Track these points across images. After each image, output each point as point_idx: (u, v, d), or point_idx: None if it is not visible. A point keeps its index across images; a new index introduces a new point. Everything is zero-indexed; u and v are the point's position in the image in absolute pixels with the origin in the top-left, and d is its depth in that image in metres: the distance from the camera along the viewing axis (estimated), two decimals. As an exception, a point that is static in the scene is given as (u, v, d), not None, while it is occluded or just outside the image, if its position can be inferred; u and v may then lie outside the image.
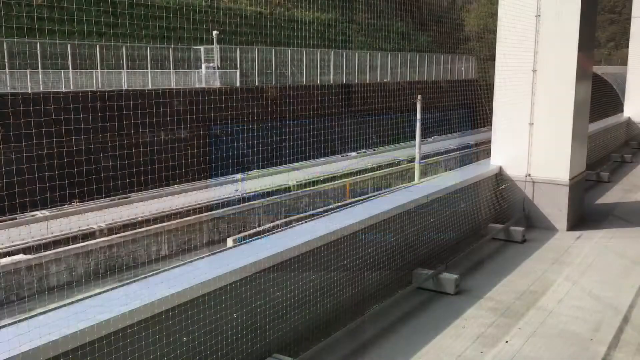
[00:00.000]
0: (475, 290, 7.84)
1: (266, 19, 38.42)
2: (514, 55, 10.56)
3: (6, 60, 24.38)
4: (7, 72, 24.17)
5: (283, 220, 22.17)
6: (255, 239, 6.58)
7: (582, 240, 10.01)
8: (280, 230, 6.98)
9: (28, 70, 24.65)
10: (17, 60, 24.66)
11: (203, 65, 32.49)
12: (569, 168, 10.36)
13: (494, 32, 11.32)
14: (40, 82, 25.02)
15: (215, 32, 32.61)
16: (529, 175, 10.67)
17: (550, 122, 10.38)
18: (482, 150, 34.89)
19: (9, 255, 16.97)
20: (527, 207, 10.77)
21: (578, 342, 6.37)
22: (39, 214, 19.40)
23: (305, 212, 23.96)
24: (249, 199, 23.75)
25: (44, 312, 4.48)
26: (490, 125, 11.34)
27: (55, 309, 4.56)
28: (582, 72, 10.44)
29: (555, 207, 10.53)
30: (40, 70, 25.11)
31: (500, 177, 10.92)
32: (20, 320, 4.32)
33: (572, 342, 6.39)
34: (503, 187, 10.88)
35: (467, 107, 49.42)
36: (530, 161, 10.62)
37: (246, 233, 20.40)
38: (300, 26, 40.41)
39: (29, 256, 17.00)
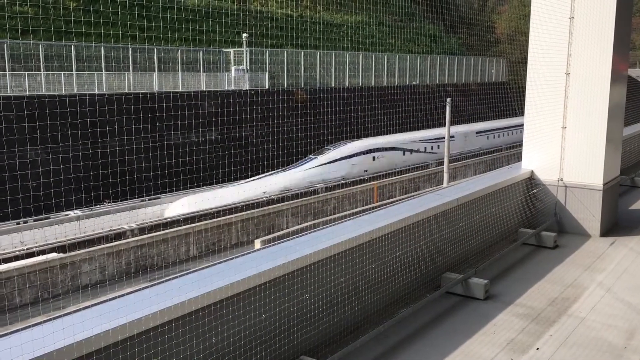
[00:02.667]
0: (505, 295, 7.74)
1: (295, 21, 38.57)
2: (546, 57, 10.41)
3: (42, 63, 24.98)
4: (42, 74, 24.77)
5: (311, 223, 22.21)
6: (283, 241, 6.60)
7: (615, 247, 9.80)
8: (308, 233, 6.98)
9: (63, 73, 25.21)
10: (52, 63, 25.25)
11: (233, 68, 32.80)
12: (602, 173, 10.16)
13: (525, 34, 11.19)
14: (75, 84, 25.57)
15: (245, 35, 32.89)
16: (562, 179, 10.50)
17: (583, 125, 10.20)
18: (513, 154, 34.46)
19: (43, 254, 17.35)
20: (559, 212, 10.59)
21: (611, 350, 6.24)
22: (71, 213, 19.80)
23: (333, 214, 23.97)
24: (277, 200, 23.85)
25: (77, 311, 4.58)
26: (521, 128, 11.18)
27: (87, 307, 4.65)
28: (617, 75, 10.24)
29: (588, 213, 10.34)
30: (74, 72, 25.66)
31: (531, 181, 10.77)
32: (54, 318, 4.42)
33: (604, 350, 6.26)
34: (534, 191, 10.72)
35: (498, 110, 48.87)
36: (563, 165, 10.45)
37: (274, 235, 20.49)
38: (329, 29, 40.48)
39: (61, 255, 17.36)
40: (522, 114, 11.05)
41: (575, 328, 6.76)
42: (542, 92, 10.53)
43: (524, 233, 10.02)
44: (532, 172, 10.78)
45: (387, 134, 32.71)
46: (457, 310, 7.30)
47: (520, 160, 11.11)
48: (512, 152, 35.81)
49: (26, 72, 24.30)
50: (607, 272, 8.58)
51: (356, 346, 6.06)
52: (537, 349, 6.27)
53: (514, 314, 7.16)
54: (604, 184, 10.21)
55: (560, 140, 10.41)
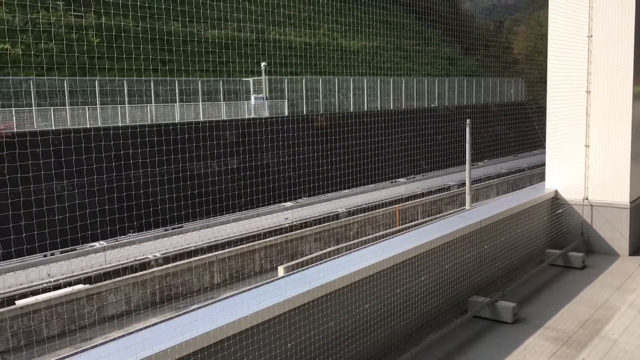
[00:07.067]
0: (534, 318, 7.59)
1: (313, 49, 39.00)
2: (566, 76, 10.36)
3: (67, 98, 25.56)
4: (67, 109, 25.33)
5: (334, 248, 22.13)
6: (306, 268, 6.58)
7: (646, 266, 9.58)
8: (332, 259, 6.96)
9: (87, 107, 25.76)
10: (77, 98, 25.83)
11: (252, 97, 33.18)
12: (629, 190, 10.00)
13: (543, 53, 11.16)
14: (99, 118, 26.08)
15: (263, 64, 33.32)
16: (587, 198, 10.35)
17: (607, 143, 10.08)
18: (536, 174, 34.10)
19: (70, 286, 17.52)
20: (585, 232, 10.42)
21: (647, 374, 6.07)
22: (97, 244, 20.01)
23: (356, 239, 23.87)
24: (299, 227, 23.85)
25: (104, 343, 4.60)
26: (543, 147, 11.08)
27: (114, 339, 4.68)
28: (639, 91, 10.14)
29: (616, 231, 10.15)
30: (98, 106, 26.20)
31: (556, 201, 10.63)
32: (81, 351, 4.45)
33: (640, 373, 6.09)
34: (560, 211, 10.58)
35: (518, 130, 48.56)
36: (588, 184, 10.32)
37: (297, 261, 20.45)
38: (347, 55, 40.83)
39: (88, 286, 17.51)
40: (543, 133, 10.97)
41: (609, 350, 6.59)
42: (563, 111, 10.46)
43: (551, 254, 9.86)
44: (556, 191, 10.65)
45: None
46: (485, 335, 7.18)
47: (543, 179, 11.00)
48: (535, 171, 35.44)
49: (52, 108, 24.87)
50: (639, 292, 8.38)
51: (383, 373, 5.98)
52: (570, 373, 6.12)
53: (544, 337, 7.01)
54: (631, 202, 10.04)
55: (584, 158, 10.29)
